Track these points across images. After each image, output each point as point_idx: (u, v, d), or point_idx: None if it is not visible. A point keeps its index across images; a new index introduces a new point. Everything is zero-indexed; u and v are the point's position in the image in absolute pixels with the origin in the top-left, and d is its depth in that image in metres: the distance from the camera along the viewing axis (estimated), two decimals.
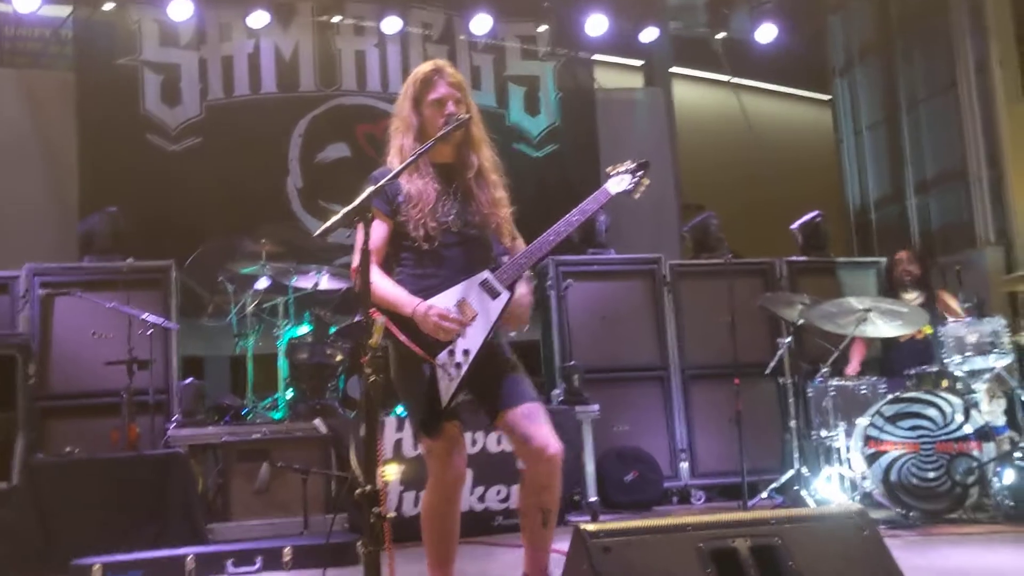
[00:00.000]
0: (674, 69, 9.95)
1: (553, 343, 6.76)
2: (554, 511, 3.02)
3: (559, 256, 6.75)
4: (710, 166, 10.12)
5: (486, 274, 3.02)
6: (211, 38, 8.16)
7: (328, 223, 2.59)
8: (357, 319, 5.07)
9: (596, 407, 6.14)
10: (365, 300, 2.58)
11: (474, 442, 5.49)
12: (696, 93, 10.74)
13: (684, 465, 6.80)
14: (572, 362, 6.43)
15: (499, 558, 4.75)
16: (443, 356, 2.93)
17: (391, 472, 5.45)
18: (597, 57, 9.46)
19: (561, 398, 6.27)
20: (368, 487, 2.20)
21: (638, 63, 10.03)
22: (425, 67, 3.18)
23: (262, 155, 8.10)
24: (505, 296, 2.99)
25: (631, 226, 8.58)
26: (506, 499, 5.49)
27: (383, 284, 2.98)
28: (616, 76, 10.06)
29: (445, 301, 2.97)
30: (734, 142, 9.89)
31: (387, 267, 3.15)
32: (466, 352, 2.93)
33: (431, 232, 3.02)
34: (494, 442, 5.55)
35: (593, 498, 5.94)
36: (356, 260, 3.00)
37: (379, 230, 3.02)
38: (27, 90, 7.91)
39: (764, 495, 5.91)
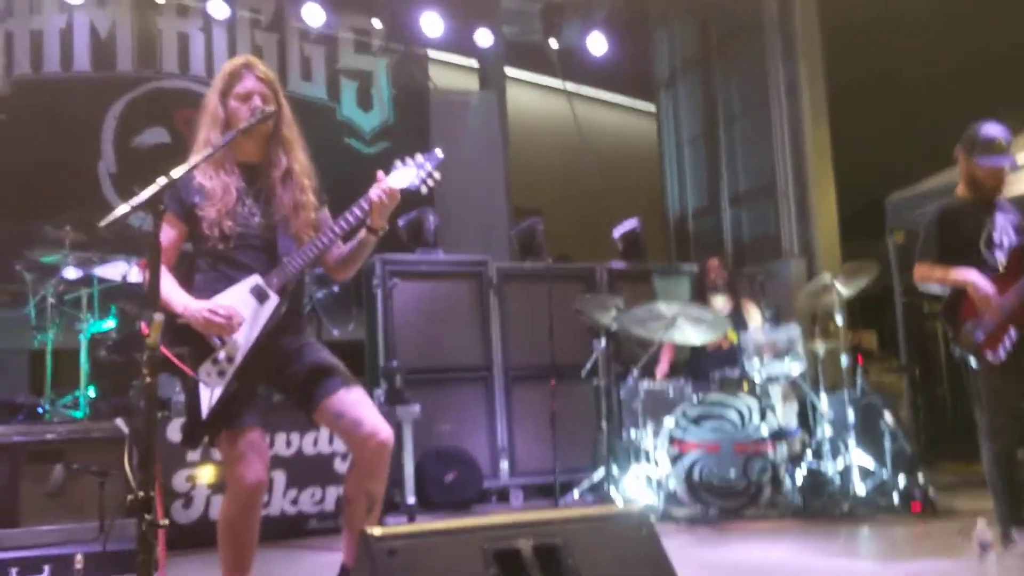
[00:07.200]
0: (509, 72, 10.08)
1: (377, 343, 6.70)
2: (380, 499, 2.98)
3: (385, 255, 6.69)
4: (542, 170, 10.31)
5: (256, 278, 2.94)
6: (19, 10, 7.61)
7: (114, 214, 2.46)
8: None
9: (417, 407, 6.09)
10: (152, 295, 2.47)
11: (288, 443, 5.40)
12: (530, 97, 10.92)
13: (504, 465, 6.89)
14: (394, 362, 6.38)
15: (307, 562, 4.66)
16: (206, 366, 2.85)
17: (205, 475, 5.25)
18: (433, 55, 9.45)
19: (382, 399, 6.21)
20: (140, 493, 2.09)
21: (474, 64, 10.09)
22: (235, 60, 3.09)
23: (72, 137, 7.62)
24: (274, 301, 2.92)
25: (461, 227, 8.63)
26: (320, 501, 5.41)
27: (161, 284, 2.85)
28: (452, 75, 10.09)
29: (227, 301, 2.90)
30: (565, 148, 10.09)
31: (188, 271, 3.02)
32: (230, 359, 2.85)
33: (227, 232, 2.93)
34: (310, 444, 5.47)
35: (411, 500, 5.92)
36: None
37: (168, 233, 2.88)
38: None
39: (576, 495, 6.07)
